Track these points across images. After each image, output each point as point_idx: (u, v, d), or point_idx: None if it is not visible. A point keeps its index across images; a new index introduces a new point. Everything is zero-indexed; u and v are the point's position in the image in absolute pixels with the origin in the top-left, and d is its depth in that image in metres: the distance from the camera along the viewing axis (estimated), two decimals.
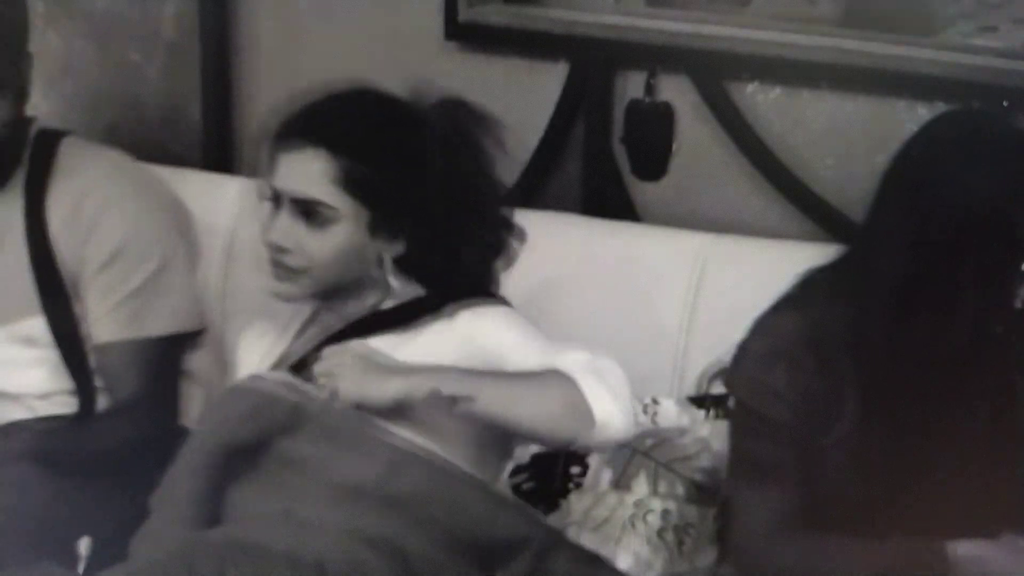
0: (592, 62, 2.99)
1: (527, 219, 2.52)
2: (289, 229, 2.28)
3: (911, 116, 2.75)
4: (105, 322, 2.65)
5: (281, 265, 2.30)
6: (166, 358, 2.73)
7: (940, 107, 2.67)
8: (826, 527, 2.14)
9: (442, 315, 2.32)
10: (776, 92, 2.91)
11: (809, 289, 2.19)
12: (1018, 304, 2.07)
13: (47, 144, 2.71)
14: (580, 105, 3.01)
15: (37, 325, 2.65)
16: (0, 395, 2.67)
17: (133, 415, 2.66)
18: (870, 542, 2.12)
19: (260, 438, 2.23)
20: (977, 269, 2.04)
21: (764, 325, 2.20)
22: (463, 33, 3.05)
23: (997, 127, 2.17)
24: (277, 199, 2.31)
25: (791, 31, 2.86)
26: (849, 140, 2.81)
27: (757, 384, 2.17)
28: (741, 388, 2.22)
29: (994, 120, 2.24)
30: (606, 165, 3.01)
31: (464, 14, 3.03)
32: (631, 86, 2.98)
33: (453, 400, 2.10)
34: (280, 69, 3.25)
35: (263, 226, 2.32)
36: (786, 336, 2.16)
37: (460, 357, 2.25)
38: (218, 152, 3.30)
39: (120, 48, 3.28)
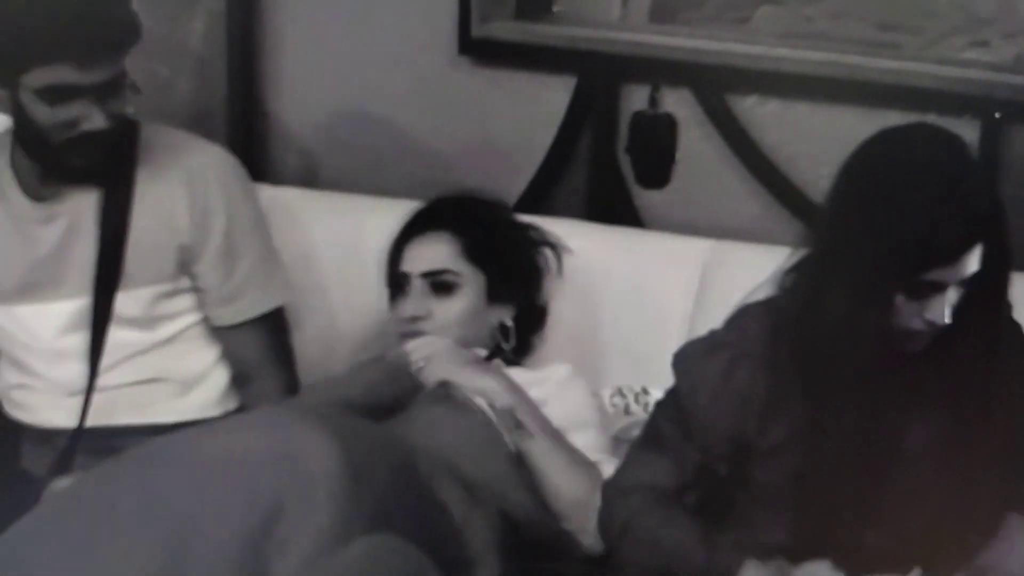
0: (598, 76, 3.02)
1: None
2: (420, 301, 2.64)
3: None
4: (235, 303, 2.71)
5: (415, 335, 2.57)
6: (284, 327, 2.79)
7: (933, 119, 2.62)
8: (762, 528, 2.16)
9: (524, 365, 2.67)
10: (774, 104, 2.94)
11: (778, 287, 2.20)
12: (945, 319, 2.07)
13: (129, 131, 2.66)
14: (587, 117, 3.05)
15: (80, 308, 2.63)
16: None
17: (265, 389, 2.72)
18: (705, 541, 2.14)
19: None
20: (907, 285, 2.05)
21: (732, 316, 2.23)
22: (476, 48, 3.09)
23: (935, 144, 2.11)
24: (399, 284, 2.68)
25: (789, 46, 2.90)
26: (844, 150, 2.62)
27: (693, 370, 2.19)
28: (679, 367, 2.23)
29: (936, 136, 2.14)
30: (611, 174, 3.06)
31: (477, 30, 3.07)
32: (635, 99, 3.01)
33: (517, 424, 2.41)
34: (304, 82, 3.29)
35: (393, 308, 2.68)
36: (741, 331, 2.18)
37: (545, 396, 2.53)
38: (245, 163, 3.24)
39: (149, 62, 3.21)
